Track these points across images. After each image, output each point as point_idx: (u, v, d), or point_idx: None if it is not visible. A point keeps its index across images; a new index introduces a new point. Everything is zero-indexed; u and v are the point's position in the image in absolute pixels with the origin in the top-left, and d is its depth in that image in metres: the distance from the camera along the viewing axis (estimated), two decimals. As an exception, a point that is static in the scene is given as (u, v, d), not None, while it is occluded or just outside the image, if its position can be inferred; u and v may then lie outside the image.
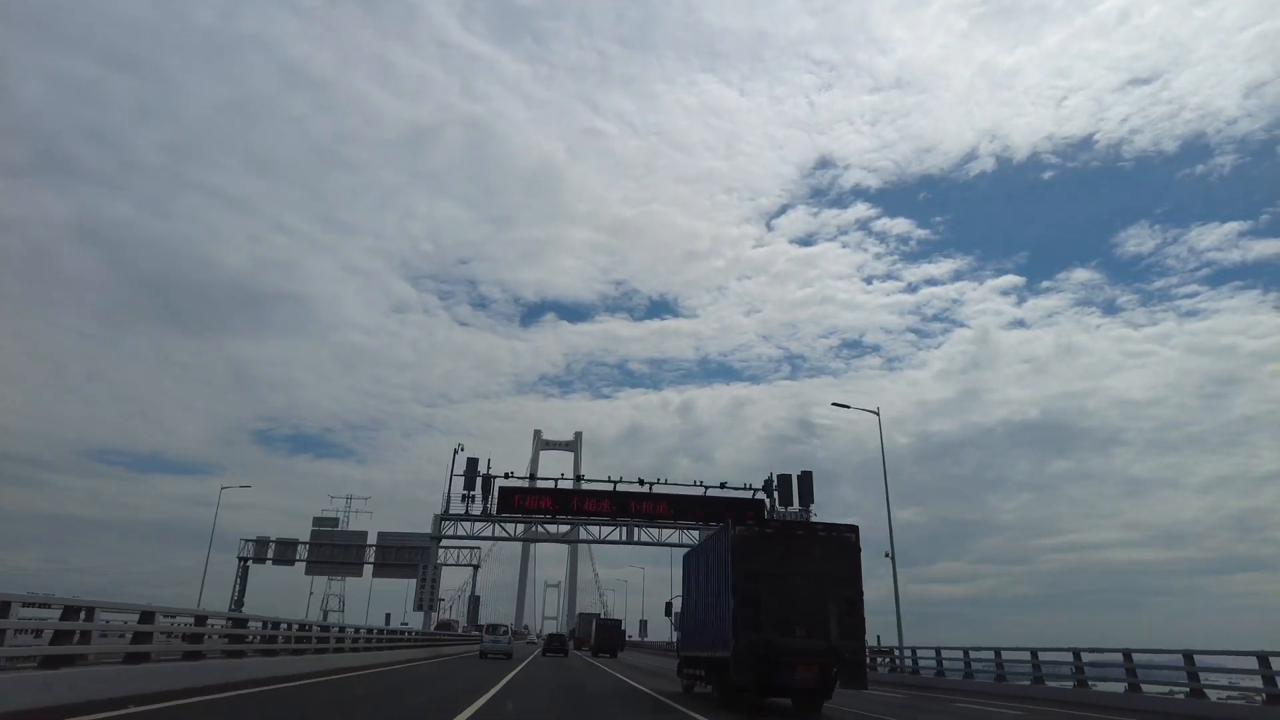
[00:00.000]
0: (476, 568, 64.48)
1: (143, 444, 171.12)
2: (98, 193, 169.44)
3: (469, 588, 72.34)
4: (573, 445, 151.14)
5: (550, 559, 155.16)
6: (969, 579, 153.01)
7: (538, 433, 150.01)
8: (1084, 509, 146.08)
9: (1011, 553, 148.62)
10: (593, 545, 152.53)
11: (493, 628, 42.78)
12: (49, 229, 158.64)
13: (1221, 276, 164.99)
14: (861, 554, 14.64)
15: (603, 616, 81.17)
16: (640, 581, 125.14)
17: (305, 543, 62.86)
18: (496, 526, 51.27)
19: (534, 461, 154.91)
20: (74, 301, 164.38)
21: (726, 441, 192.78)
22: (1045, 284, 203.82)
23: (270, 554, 62.25)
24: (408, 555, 63.16)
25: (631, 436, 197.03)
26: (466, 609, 64.48)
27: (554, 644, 52.65)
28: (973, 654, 25.27)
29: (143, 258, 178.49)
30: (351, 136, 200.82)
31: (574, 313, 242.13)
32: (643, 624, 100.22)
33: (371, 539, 63.94)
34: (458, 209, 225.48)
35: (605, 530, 51.81)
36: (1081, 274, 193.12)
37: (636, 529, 51.40)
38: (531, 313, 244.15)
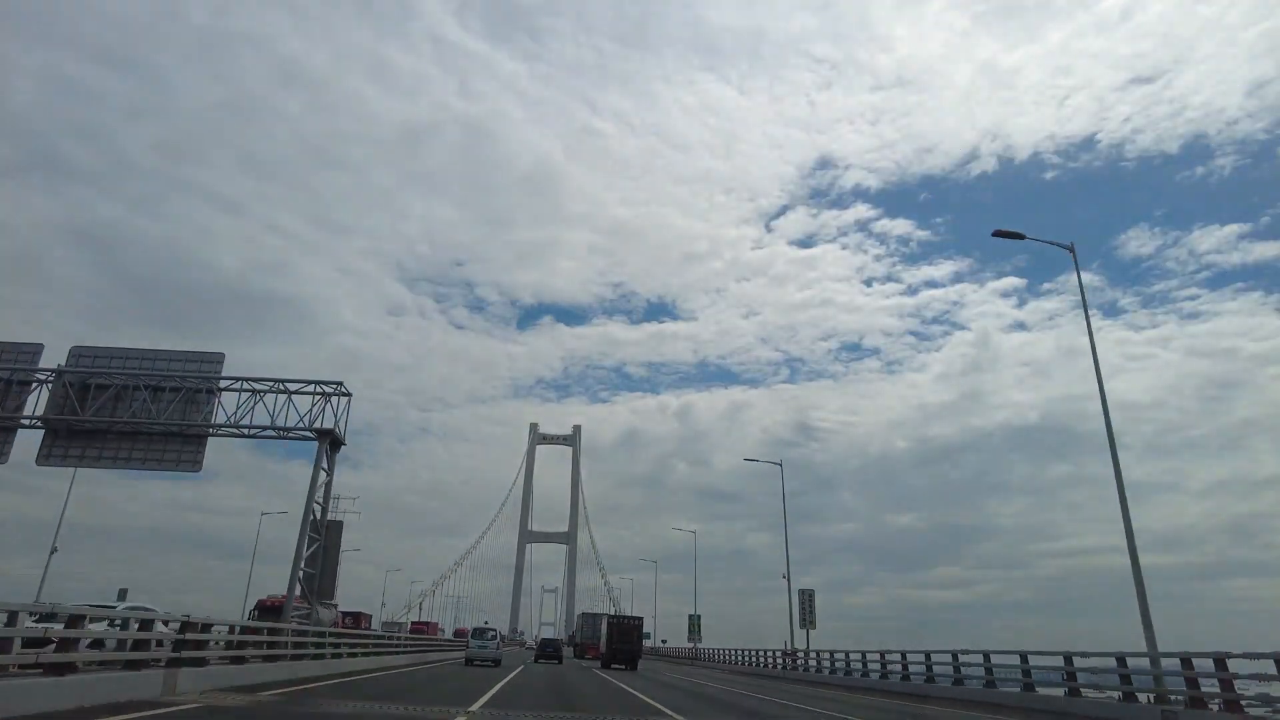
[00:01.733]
0: (330, 465, 24.79)
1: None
2: (89, 193, 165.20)
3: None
4: (571, 440, 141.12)
5: (548, 565, 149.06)
6: (966, 584, 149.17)
7: (534, 426, 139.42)
8: (1082, 514, 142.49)
9: (1009, 558, 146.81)
10: (598, 547, 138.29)
11: (480, 632, 37.03)
12: (39, 230, 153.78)
13: (1222, 279, 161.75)
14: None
15: (614, 614, 63.65)
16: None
17: None
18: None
19: (530, 458, 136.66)
20: (64, 303, 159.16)
21: (725, 446, 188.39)
22: (1046, 286, 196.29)
23: None
24: (172, 405, 23.57)
25: (629, 440, 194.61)
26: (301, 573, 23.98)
27: (547, 650, 46.91)
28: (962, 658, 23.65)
29: (134, 259, 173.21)
30: (346, 136, 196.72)
31: (571, 315, 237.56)
32: (694, 621, 67.01)
33: (53, 359, 24.20)
34: (454, 210, 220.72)
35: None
36: (1084, 276, 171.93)
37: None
38: (528, 315, 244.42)
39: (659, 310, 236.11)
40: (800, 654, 38.65)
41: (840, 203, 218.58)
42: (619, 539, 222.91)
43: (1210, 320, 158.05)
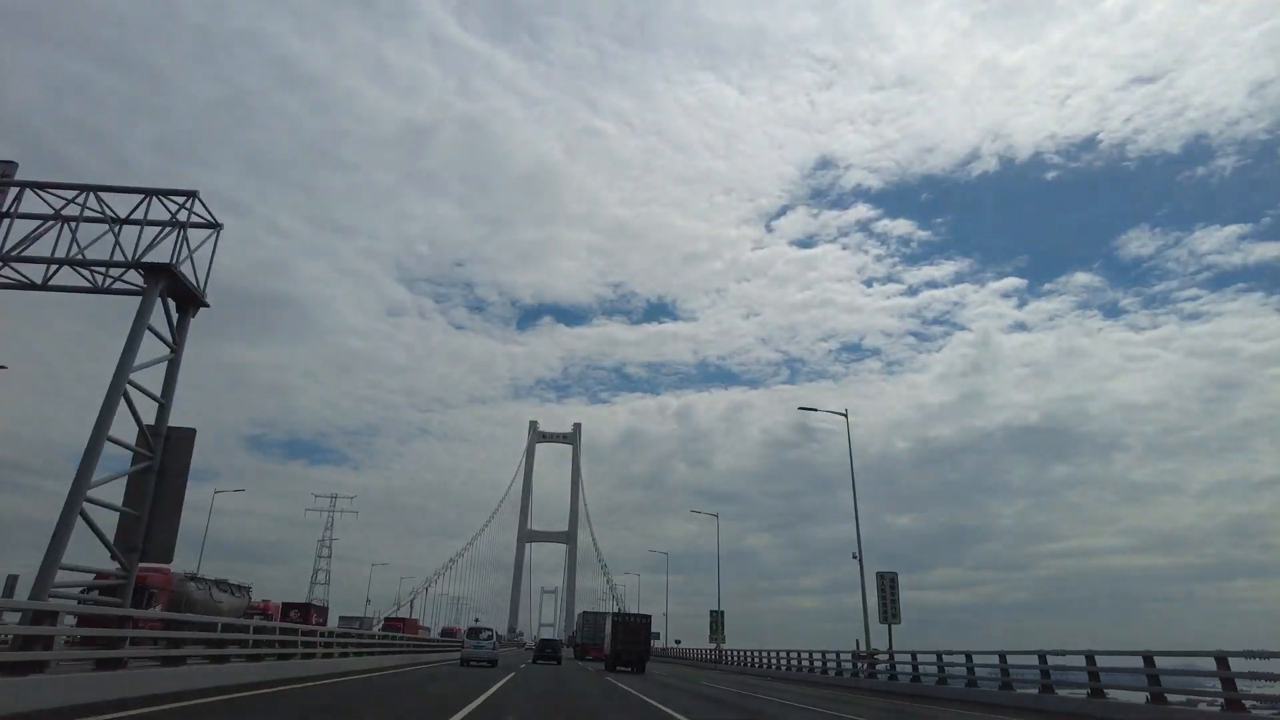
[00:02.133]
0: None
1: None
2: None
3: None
4: (571, 438, 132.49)
5: (547, 566, 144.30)
6: (967, 585, 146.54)
7: (533, 424, 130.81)
8: (1083, 515, 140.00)
9: (1010, 559, 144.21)
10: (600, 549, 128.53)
11: (475, 631, 34.92)
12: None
13: (1222, 280, 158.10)
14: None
15: (620, 611, 56.07)
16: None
17: None
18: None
19: (529, 456, 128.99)
20: (63, 304, 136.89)
21: (725, 446, 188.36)
22: (1047, 286, 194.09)
23: None
24: None
25: (629, 441, 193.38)
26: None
27: (546, 650, 44.15)
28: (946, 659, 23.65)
29: None
30: (346, 135, 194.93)
31: (571, 316, 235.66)
32: (716, 618, 57.51)
33: None
34: (453, 210, 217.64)
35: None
36: (1083, 276, 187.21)
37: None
38: (528, 316, 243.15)
39: (659, 311, 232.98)
40: (880, 656, 28.60)
41: (841, 203, 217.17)
42: (619, 540, 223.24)
43: (1211, 321, 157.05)
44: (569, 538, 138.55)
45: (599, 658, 47.43)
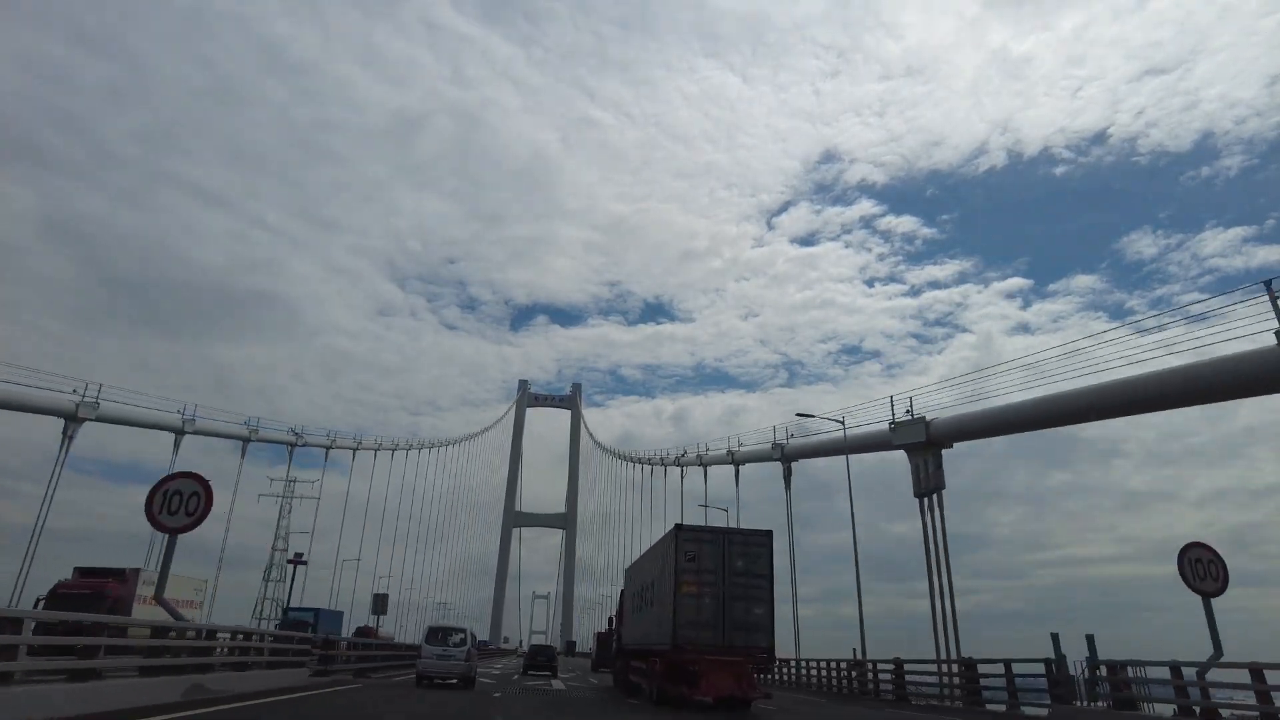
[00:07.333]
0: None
1: (120, 452, 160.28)
2: (67, 184, 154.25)
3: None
4: (570, 402, 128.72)
5: (540, 575, 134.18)
6: (961, 594, 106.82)
7: (524, 383, 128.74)
8: (1080, 523, 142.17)
9: (1005, 567, 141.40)
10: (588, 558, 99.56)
11: (440, 634, 24.95)
12: (15, 223, 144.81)
13: (1226, 283, 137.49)
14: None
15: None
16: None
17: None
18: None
19: (519, 419, 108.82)
20: (44, 301, 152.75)
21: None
22: (1052, 287, 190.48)
23: None
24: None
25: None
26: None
27: (538, 659, 38.93)
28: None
29: (116, 255, 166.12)
30: (334, 125, 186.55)
31: (566, 316, 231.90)
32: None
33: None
34: (446, 204, 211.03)
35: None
36: (1088, 278, 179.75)
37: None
38: (522, 315, 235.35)
39: (656, 310, 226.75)
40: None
41: (844, 199, 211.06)
42: (616, 547, 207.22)
43: (1216, 324, 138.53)
44: (567, 521, 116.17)
45: (746, 697, 16.39)
